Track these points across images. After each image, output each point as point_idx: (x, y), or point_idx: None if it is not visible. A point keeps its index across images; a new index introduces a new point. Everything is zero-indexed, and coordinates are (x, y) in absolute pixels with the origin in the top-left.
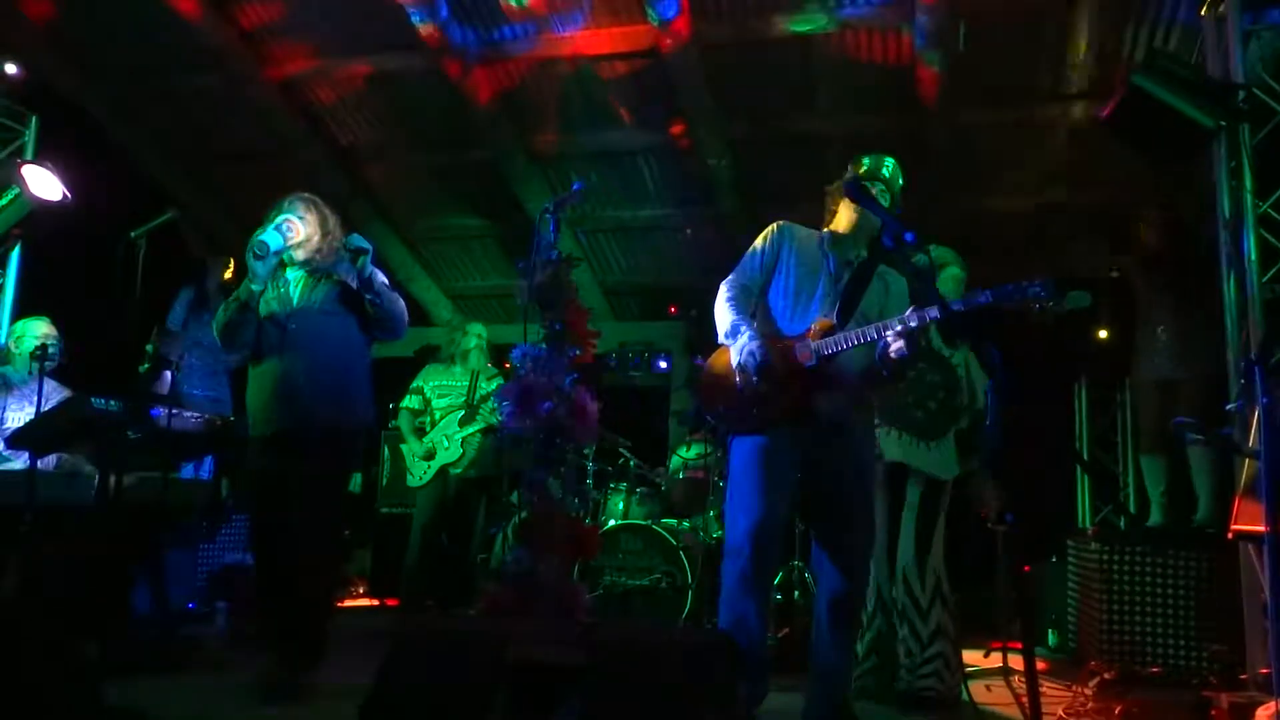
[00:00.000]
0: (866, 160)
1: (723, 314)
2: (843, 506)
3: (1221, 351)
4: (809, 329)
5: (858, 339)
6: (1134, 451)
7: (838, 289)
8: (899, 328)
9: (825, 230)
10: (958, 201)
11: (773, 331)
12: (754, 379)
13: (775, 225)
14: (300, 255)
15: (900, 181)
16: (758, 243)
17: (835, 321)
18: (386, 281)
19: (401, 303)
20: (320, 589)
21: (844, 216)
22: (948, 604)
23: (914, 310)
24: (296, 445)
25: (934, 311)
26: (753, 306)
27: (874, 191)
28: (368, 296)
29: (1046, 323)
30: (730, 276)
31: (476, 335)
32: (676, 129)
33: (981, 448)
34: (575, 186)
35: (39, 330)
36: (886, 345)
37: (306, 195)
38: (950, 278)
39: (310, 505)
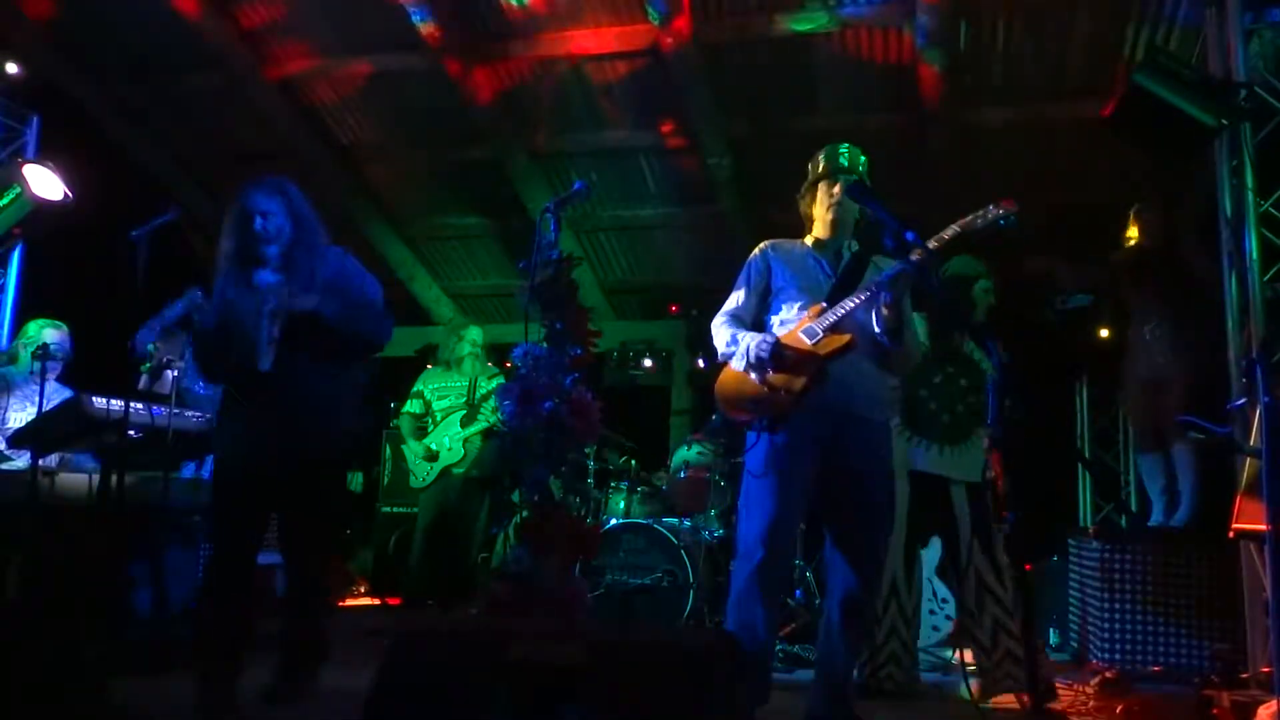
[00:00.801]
0: (823, 157)
1: (720, 333)
2: (860, 504)
3: (1219, 349)
4: (802, 319)
5: (853, 302)
6: (1134, 450)
7: (831, 287)
8: (884, 279)
9: (809, 239)
10: (959, 201)
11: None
12: (769, 367)
13: (760, 248)
14: (276, 250)
15: (861, 160)
16: (745, 269)
17: (826, 306)
18: (359, 284)
19: (368, 321)
20: (311, 603)
21: (819, 219)
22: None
23: (898, 262)
24: (275, 483)
25: (914, 258)
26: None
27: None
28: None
29: (1049, 321)
30: (723, 307)
31: (470, 342)
32: (670, 128)
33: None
34: (577, 186)
35: (51, 337)
36: (879, 301)
37: (270, 181)
38: (981, 290)
39: (298, 529)
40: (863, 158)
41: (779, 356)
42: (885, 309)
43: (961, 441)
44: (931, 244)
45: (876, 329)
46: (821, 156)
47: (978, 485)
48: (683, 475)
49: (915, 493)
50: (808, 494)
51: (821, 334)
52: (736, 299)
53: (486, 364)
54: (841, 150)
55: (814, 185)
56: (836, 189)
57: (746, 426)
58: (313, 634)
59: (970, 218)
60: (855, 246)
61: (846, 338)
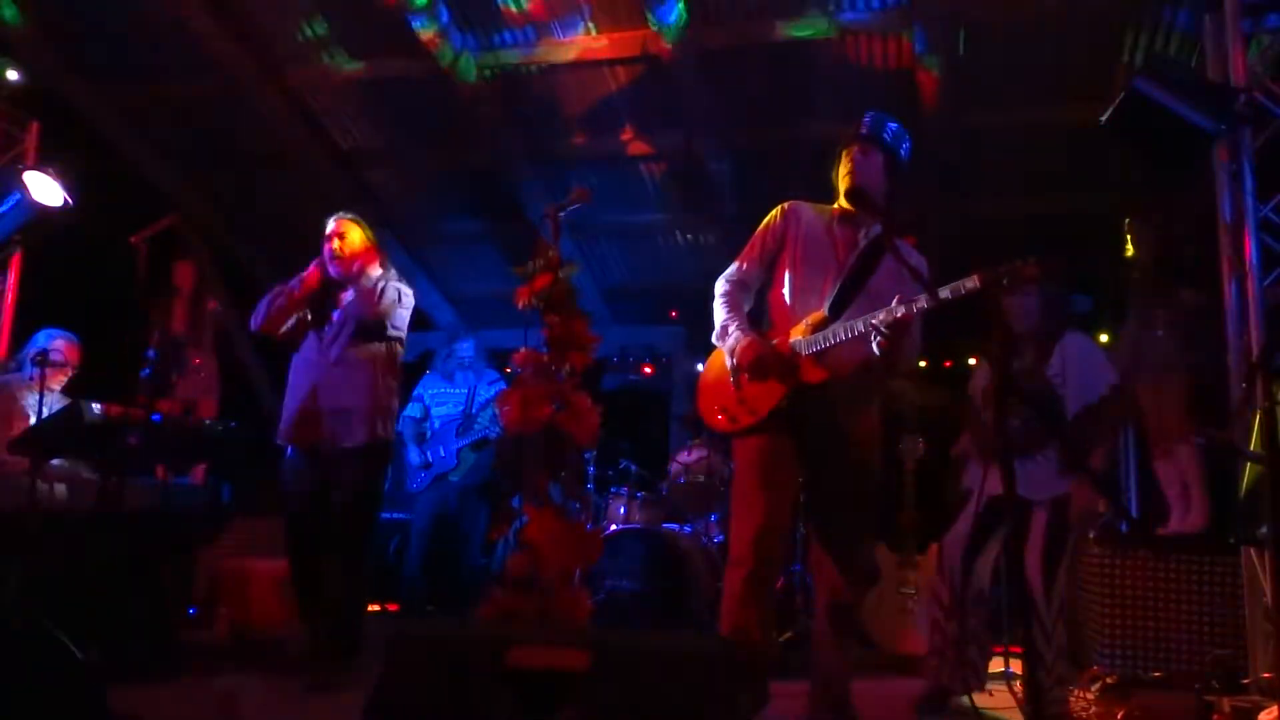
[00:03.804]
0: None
1: (716, 313)
2: (841, 506)
3: (1221, 350)
4: (799, 324)
5: (844, 334)
6: (1136, 454)
7: (841, 281)
8: (884, 318)
9: (836, 206)
10: (958, 206)
11: (773, 329)
12: (744, 376)
13: (781, 208)
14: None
15: (888, 128)
16: (761, 229)
17: (828, 314)
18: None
19: (380, 304)
20: (340, 591)
21: (840, 189)
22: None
23: (899, 301)
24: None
25: (921, 301)
26: (751, 302)
27: (854, 164)
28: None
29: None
30: (729, 269)
31: (459, 359)
32: (670, 133)
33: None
34: (574, 206)
35: (57, 345)
36: (877, 337)
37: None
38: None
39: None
40: (891, 124)
41: (759, 369)
42: (880, 342)
43: (1023, 456)
44: (944, 293)
45: (874, 350)
46: (851, 128)
47: (1059, 503)
48: (683, 480)
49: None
50: (797, 499)
51: (805, 355)
52: (745, 263)
53: (485, 370)
54: (866, 119)
55: (839, 152)
56: (854, 154)
57: (719, 428)
58: (342, 626)
59: (997, 269)
60: (877, 229)
61: (823, 374)
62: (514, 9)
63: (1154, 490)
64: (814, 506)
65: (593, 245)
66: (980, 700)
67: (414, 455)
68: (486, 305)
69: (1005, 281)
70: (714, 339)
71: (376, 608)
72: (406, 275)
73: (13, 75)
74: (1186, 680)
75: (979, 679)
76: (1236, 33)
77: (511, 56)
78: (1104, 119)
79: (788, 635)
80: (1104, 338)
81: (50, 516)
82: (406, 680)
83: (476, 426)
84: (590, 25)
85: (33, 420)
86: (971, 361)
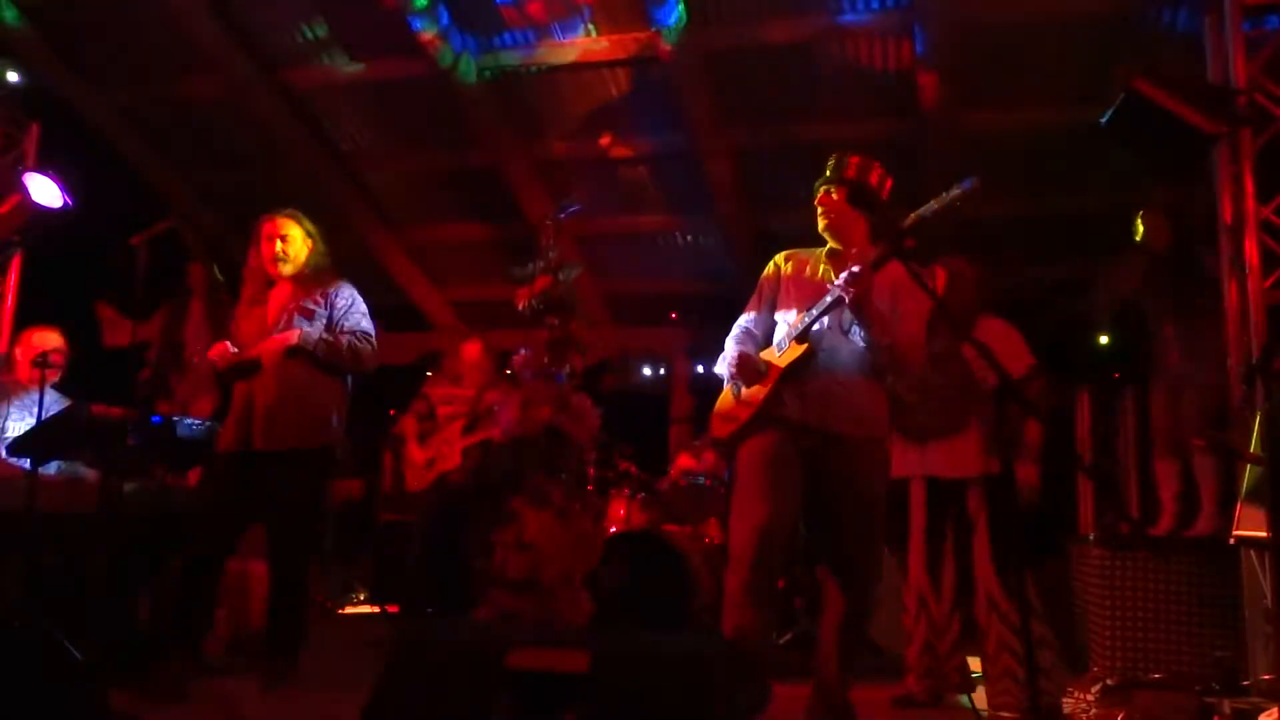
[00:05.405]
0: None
1: (726, 351)
2: (843, 527)
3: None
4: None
5: (816, 310)
6: (1137, 456)
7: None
8: (845, 274)
9: (828, 246)
10: (958, 206)
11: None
12: (739, 382)
13: (776, 257)
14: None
15: (848, 164)
16: (761, 279)
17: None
18: (355, 326)
19: (354, 352)
20: (285, 591)
21: (829, 223)
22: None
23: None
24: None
25: (879, 251)
26: (758, 347)
27: (821, 209)
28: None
29: (1047, 326)
30: (736, 323)
31: (469, 357)
32: (669, 135)
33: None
34: (573, 208)
35: (48, 342)
36: (847, 293)
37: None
38: None
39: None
40: (853, 160)
41: (745, 370)
42: (851, 297)
43: (939, 437)
44: (908, 219)
45: (858, 339)
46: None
47: (995, 480)
48: (683, 482)
49: (930, 496)
50: (800, 502)
51: (788, 345)
52: (750, 311)
53: (493, 373)
54: (830, 161)
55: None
56: (819, 199)
57: (733, 441)
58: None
59: (944, 194)
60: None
61: (803, 347)
62: (514, 11)
63: (1153, 491)
64: (817, 528)
65: (592, 246)
66: (983, 701)
67: (416, 452)
68: (486, 307)
69: (956, 202)
70: (717, 368)
71: (376, 609)
72: (405, 276)
73: (13, 76)
74: (1186, 681)
75: (965, 684)
76: (1237, 34)
77: (511, 58)
78: (1104, 121)
79: (788, 636)
80: (1104, 339)
81: (50, 517)
82: (406, 681)
83: (482, 430)
84: (590, 27)
85: (31, 422)
86: None
